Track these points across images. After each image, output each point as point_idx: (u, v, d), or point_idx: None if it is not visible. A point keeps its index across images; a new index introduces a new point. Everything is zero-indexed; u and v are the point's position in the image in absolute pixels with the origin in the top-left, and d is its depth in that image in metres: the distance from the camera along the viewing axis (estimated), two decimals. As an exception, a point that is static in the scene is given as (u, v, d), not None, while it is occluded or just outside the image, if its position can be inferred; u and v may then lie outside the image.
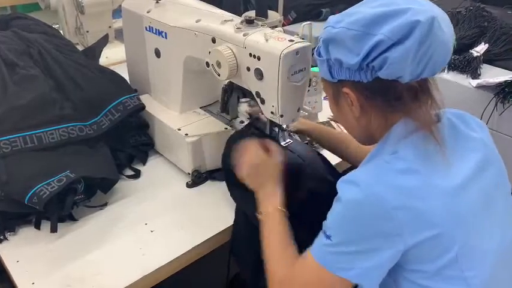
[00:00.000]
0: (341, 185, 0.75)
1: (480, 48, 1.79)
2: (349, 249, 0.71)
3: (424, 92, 0.76)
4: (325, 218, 0.76)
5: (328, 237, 0.73)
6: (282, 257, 0.84)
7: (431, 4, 0.73)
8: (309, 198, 0.96)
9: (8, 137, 1.04)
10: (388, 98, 0.76)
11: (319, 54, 0.80)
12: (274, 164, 0.94)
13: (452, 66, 1.75)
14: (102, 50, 1.46)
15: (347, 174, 0.76)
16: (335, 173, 1.09)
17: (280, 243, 0.85)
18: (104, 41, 1.46)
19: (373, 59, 0.71)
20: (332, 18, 0.77)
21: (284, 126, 1.05)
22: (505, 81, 1.55)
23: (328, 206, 0.76)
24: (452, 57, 1.76)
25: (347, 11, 0.77)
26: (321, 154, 1.15)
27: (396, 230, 0.69)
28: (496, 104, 1.57)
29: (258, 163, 0.94)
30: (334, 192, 0.76)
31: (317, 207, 0.83)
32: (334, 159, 1.20)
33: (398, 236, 0.69)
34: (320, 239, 0.75)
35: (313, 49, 0.87)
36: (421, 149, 0.74)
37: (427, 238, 0.70)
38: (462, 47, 1.83)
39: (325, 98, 1.54)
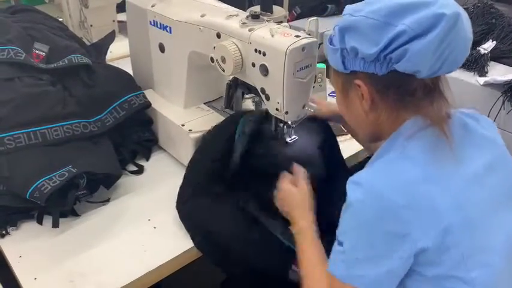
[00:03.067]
0: (348, 186, 0.73)
1: (488, 46, 1.76)
2: (359, 255, 0.70)
3: (436, 89, 0.75)
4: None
5: (340, 243, 0.71)
6: (319, 276, 0.80)
7: (454, 1, 0.71)
8: None
9: (12, 133, 1.04)
10: (401, 92, 0.74)
11: (332, 43, 0.77)
12: (302, 194, 0.93)
13: (459, 64, 1.73)
14: (108, 47, 1.45)
15: (354, 175, 0.74)
16: (340, 170, 1.07)
17: (316, 261, 0.83)
18: (110, 37, 1.46)
19: (392, 50, 0.69)
20: (350, 7, 0.75)
21: (289, 122, 1.04)
22: (513, 79, 1.54)
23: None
24: (459, 54, 1.74)
25: (367, 0, 0.74)
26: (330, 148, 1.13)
27: (404, 230, 0.67)
28: (503, 102, 1.55)
29: (287, 196, 0.94)
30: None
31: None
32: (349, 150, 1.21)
33: (407, 237, 0.67)
34: (334, 247, 0.74)
35: (320, 44, 0.85)
36: (430, 146, 0.73)
37: (436, 237, 0.68)
38: (469, 44, 1.81)
39: (330, 95, 1.53)
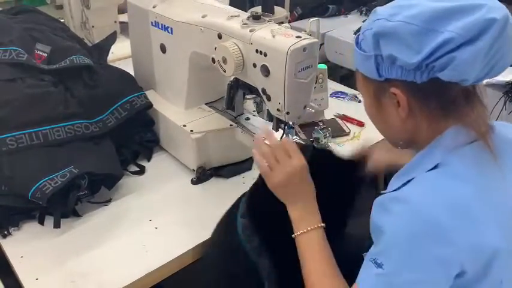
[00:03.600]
0: (388, 203, 0.68)
1: (489, 46, 1.76)
2: (404, 279, 0.64)
3: (476, 95, 0.70)
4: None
5: (379, 265, 0.65)
6: (326, 282, 0.76)
7: (501, 4, 0.66)
8: None
9: (14, 133, 1.04)
10: (442, 101, 0.69)
11: (362, 49, 0.71)
12: (308, 184, 0.84)
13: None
14: (110, 48, 1.46)
15: (392, 192, 0.69)
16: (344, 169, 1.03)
17: (323, 268, 0.78)
18: (112, 38, 1.46)
19: (436, 59, 0.63)
20: (383, 10, 0.69)
21: (290, 123, 1.04)
22: (514, 80, 1.54)
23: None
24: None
25: (400, 2, 0.68)
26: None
27: (454, 256, 0.63)
28: (505, 103, 1.55)
29: (284, 174, 0.83)
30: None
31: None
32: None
33: (456, 263, 0.63)
34: (369, 270, 0.67)
35: (321, 45, 0.83)
36: (475, 162, 0.68)
37: (481, 262, 0.65)
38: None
39: (332, 95, 1.53)
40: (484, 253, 0.65)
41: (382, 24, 0.67)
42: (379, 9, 0.70)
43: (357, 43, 0.73)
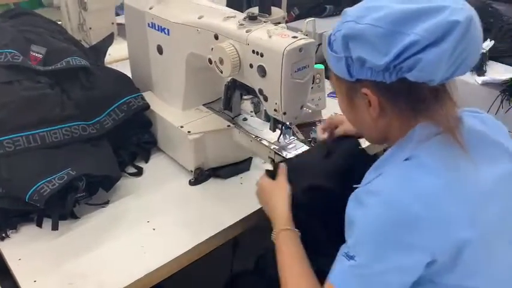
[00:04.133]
0: (361, 196, 0.70)
1: (486, 45, 1.76)
2: (376, 269, 0.66)
3: (445, 92, 0.72)
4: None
5: (351, 257, 0.67)
6: (300, 278, 0.78)
7: (464, 1, 0.68)
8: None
9: (11, 136, 1.04)
10: (411, 100, 0.71)
11: (334, 50, 0.73)
12: (280, 187, 0.91)
13: (458, 63, 1.73)
14: (107, 50, 1.46)
15: (363, 186, 0.71)
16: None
17: (298, 269, 0.80)
18: (109, 40, 1.46)
19: (403, 60, 0.65)
20: (352, 12, 0.70)
21: (288, 123, 1.04)
22: (511, 78, 1.54)
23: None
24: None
25: (368, 4, 0.70)
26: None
27: (425, 244, 0.65)
28: (501, 101, 1.55)
29: (264, 192, 0.94)
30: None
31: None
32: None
33: (424, 247, 0.65)
34: (341, 263, 0.69)
35: (318, 45, 0.84)
36: (443, 154, 0.70)
37: (451, 250, 0.67)
38: (468, 44, 1.81)
39: (329, 95, 1.53)
40: (453, 243, 0.66)
41: (350, 26, 0.69)
42: (348, 10, 0.72)
43: (329, 43, 0.75)
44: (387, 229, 0.66)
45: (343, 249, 0.70)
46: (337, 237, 0.74)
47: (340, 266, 0.69)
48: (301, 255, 0.82)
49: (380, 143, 0.83)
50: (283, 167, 0.96)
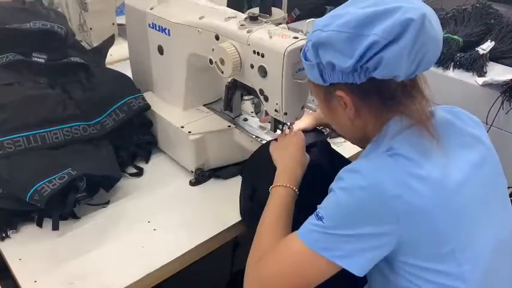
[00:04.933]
0: (342, 174, 0.75)
1: (486, 46, 1.77)
2: (338, 232, 0.71)
3: (415, 88, 0.77)
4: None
5: (320, 218, 0.73)
6: (271, 233, 0.83)
7: (419, 1, 0.73)
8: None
9: (11, 136, 1.04)
10: (382, 97, 0.76)
11: (307, 59, 0.79)
12: (298, 145, 0.96)
13: (458, 64, 1.73)
14: (108, 51, 1.46)
15: (348, 165, 0.76)
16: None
17: (275, 220, 0.85)
18: (110, 41, 1.46)
19: (367, 60, 0.70)
20: (319, 22, 0.76)
21: (288, 123, 1.04)
22: (512, 79, 1.54)
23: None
24: (458, 55, 1.74)
25: (334, 12, 0.76)
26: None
27: (392, 219, 0.70)
28: (502, 102, 1.55)
29: (285, 142, 0.97)
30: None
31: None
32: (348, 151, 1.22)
33: (393, 225, 0.70)
34: (310, 220, 0.75)
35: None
36: (416, 144, 0.74)
37: (423, 232, 0.71)
38: (468, 45, 1.81)
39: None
40: (426, 225, 0.70)
41: (318, 35, 0.75)
42: (317, 20, 0.77)
43: (303, 54, 0.80)
44: (364, 204, 0.70)
45: (318, 207, 0.76)
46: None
47: (309, 221, 0.76)
48: (281, 216, 0.86)
49: (360, 142, 0.88)
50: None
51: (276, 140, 1.03)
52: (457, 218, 0.73)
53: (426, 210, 0.70)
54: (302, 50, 0.81)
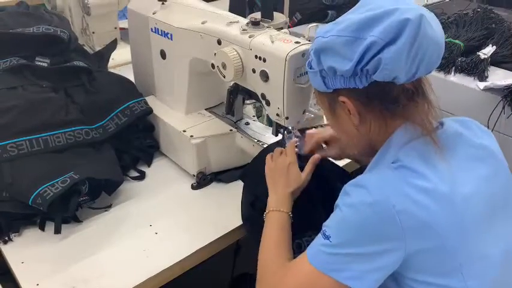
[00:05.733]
0: (348, 188, 0.74)
1: (488, 51, 1.76)
2: (346, 251, 0.71)
3: (419, 94, 0.76)
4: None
5: (327, 237, 0.73)
6: (275, 258, 0.84)
7: (417, 4, 0.74)
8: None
9: (14, 140, 1.05)
10: (385, 101, 0.76)
11: (311, 67, 0.80)
12: (293, 171, 0.95)
13: (459, 69, 1.73)
14: (110, 55, 1.47)
15: (354, 179, 0.75)
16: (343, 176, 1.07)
17: (276, 244, 0.86)
18: (112, 45, 1.47)
19: (367, 63, 0.71)
20: (321, 29, 0.77)
21: (290, 128, 1.04)
22: (513, 84, 1.54)
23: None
24: (459, 59, 1.74)
25: (336, 20, 0.77)
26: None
27: (398, 235, 0.69)
28: (503, 107, 1.54)
29: (278, 167, 0.96)
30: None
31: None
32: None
33: (399, 241, 0.69)
34: (317, 240, 0.75)
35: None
36: (423, 156, 0.73)
37: (430, 247, 0.70)
38: (469, 49, 1.81)
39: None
40: (433, 240, 0.70)
41: (319, 41, 0.76)
42: (319, 28, 0.79)
43: (308, 63, 0.81)
44: (372, 221, 0.70)
45: (324, 225, 0.75)
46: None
47: (316, 241, 0.76)
48: (281, 240, 0.87)
49: (366, 152, 0.86)
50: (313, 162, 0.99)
51: (273, 145, 1.03)
52: (465, 233, 0.72)
53: (433, 225, 0.69)
54: (307, 60, 0.82)
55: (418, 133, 0.75)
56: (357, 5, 0.77)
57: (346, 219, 0.72)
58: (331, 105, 0.81)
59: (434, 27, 0.72)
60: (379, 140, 0.79)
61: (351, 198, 0.72)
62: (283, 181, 0.94)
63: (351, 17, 0.73)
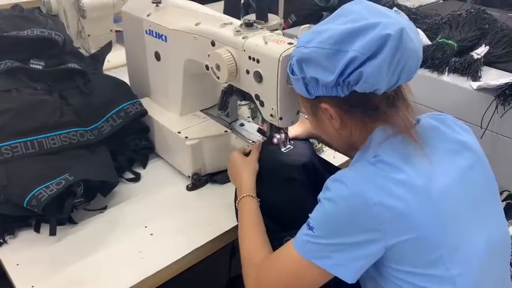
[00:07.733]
0: (329, 183, 0.77)
1: (481, 51, 1.78)
2: (328, 242, 0.74)
3: (399, 98, 0.78)
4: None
5: (310, 228, 0.76)
6: (259, 242, 0.88)
7: (397, 15, 0.75)
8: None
9: (9, 142, 1.05)
10: (366, 109, 0.78)
11: (293, 73, 0.81)
12: (250, 163, 1.02)
13: (453, 69, 1.75)
14: (105, 57, 1.47)
15: (334, 174, 0.77)
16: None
17: (255, 229, 0.90)
18: (107, 48, 1.47)
19: (348, 75, 0.72)
20: (302, 38, 0.78)
21: (284, 128, 1.05)
22: (506, 84, 1.55)
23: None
24: (453, 59, 1.76)
25: (316, 28, 0.78)
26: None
27: (376, 226, 0.71)
28: (496, 106, 1.56)
29: (234, 164, 1.04)
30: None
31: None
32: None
33: (378, 232, 0.71)
34: (303, 230, 0.78)
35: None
36: (401, 151, 0.76)
37: (409, 239, 0.71)
38: (463, 50, 1.82)
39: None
40: (411, 232, 0.71)
41: (301, 51, 0.77)
42: (300, 36, 0.80)
43: (290, 68, 0.83)
44: (349, 214, 0.72)
45: (309, 217, 0.78)
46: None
47: (302, 231, 0.78)
48: (258, 222, 0.92)
49: (348, 152, 0.90)
50: (257, 146, 1.06)
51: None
52: (444, 224, 0.73)
53: (410, 217, 0.71)
54: (288, 64, 0.84)
55: (396, 130, 0.78)
56: (336, 12, 0.78)
57: (326, 212, 0.75)
58: (313, 110, 0.84)
59: (414, 38, 0.73)
60: (360, 141, 0.82)
61: (330, 192, 0.75)
62: (238, 172, 1.01)
63: (332, 27, 0.74)
